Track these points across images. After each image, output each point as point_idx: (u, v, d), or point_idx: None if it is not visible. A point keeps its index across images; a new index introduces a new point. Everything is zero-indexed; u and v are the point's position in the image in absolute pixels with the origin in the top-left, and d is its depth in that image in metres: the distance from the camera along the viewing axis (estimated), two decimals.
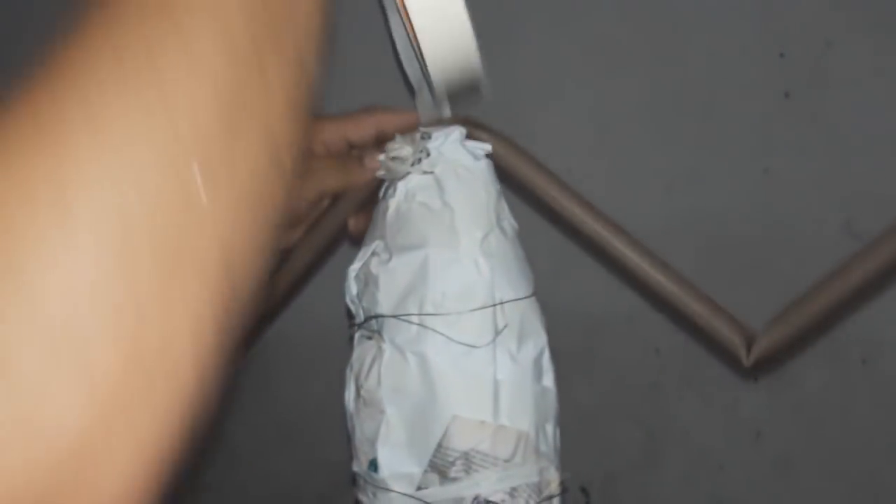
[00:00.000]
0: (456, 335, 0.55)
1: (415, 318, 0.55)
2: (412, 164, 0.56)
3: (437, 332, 0.55)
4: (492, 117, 1.13)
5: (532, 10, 1.12)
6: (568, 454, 1.20)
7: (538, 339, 0.58)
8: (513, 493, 0.55)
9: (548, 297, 1.14)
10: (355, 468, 0.60)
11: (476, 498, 0.55)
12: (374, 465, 0.57)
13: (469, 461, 0.55)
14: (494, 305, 0.56)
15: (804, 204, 1.11)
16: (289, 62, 0.34)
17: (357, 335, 0.60)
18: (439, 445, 0.55)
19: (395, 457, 0.57)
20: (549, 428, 0.58)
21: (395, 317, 0.56)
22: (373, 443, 0.57)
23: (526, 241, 1.11)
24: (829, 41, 1.09)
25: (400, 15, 0.46)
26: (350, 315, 0.61)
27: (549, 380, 0.58)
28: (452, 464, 0.55)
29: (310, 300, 1.10)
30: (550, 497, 0.58)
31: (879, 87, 1.08)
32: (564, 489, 0.59)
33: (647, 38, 1.11)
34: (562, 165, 1.15)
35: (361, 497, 0.60)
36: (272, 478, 1.26)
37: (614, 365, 1.17)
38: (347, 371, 0.60)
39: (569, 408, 1.20)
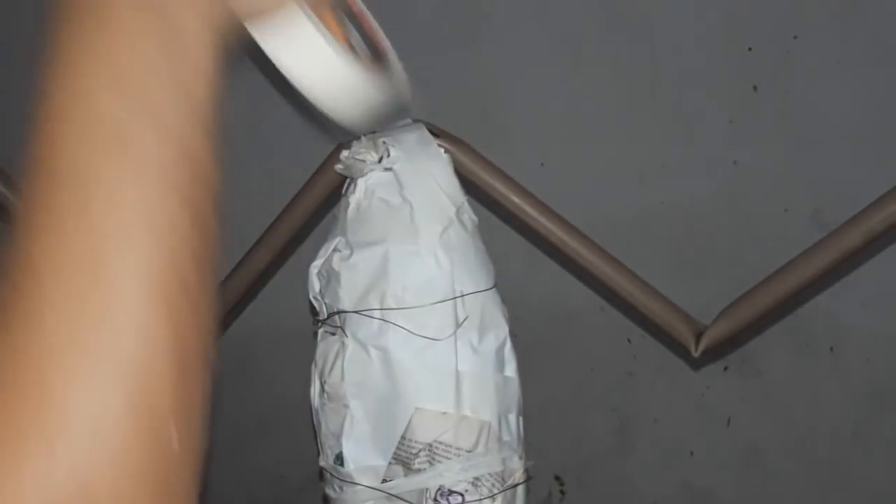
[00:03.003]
0: (417, 328, 0.56)
1: (376, 313, 0.57)
2: (373, 164, 0.58)
3: (399, 326, 0.56)
4: (465, 113, 1.14)
5: (503, 7, 1.13)
6: (542, 443, 1.22)
7: (499, 331, 0.59)
8: (476, 482, 0.56)
9: (521, 289, 1.16)
10: (322, 463, 0.61)
11: (440, 489, 0.56)
12: (339, 459, 0.59)
13: (433, 452, 0.56)
14: (455, 298, 0.57)
15: (773, 194, 1.13)
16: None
17: (320, 331, 0.61)
18: (403, 438, 0.57)
19: (360, 450, 0.58)
20: (513, 417, 0.59)
21: (357, 312, 0.57)
22: (338, 437, 0.58)
23: (500, 234, 1.12)
24: (795, 35, 1.10)
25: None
26: (314, 311, 0.62)
27: (511, 370, 0.59)
28: (416, 455, 0.56)
29: (286, 295, 1.11)
30: (515, 486, 0.59)
31: (845, 80, 1.09)
32: (529, 477, 0.61)
33: (618, 33, 1.13)
34: (535, 159, 1.17)
35: (329, 491, 0.61)
36: (251, 470, 1.27)
37: (587, 355, 1.19)
38: (312, 367, 0.61)
39: (542, 397, 1.22)
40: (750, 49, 1.11)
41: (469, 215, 0.59)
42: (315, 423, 0.60)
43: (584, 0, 1.12)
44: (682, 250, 1.16)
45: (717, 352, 0.63)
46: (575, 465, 1.22)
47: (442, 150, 0.59)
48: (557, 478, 1.22)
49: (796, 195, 1.12)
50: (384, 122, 0.53)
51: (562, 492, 1.22)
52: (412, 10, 1.14)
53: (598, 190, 1.16)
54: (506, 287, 1.15)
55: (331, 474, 0.60)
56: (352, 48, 0.47)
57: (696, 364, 1.17)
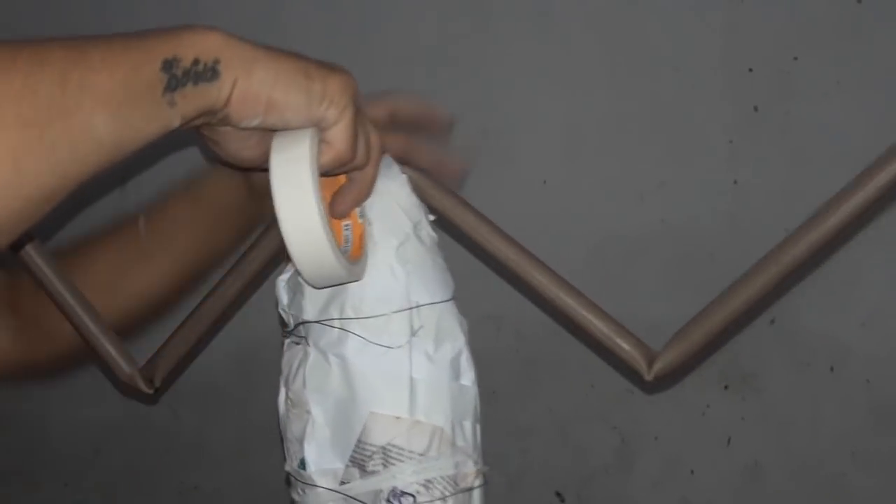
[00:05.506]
0: (373, 337, 0.59)
1: (336, 323, 0.59)
2: None
3: (356, 334, 0.59)
4: (466, 132, 1.17)
5: (506, 27, 1.16)
6: (543, 459, 1.23)
7: (455, 341, 0.61)
8: (427, 484, 0.59)
9: (521, 305, 1.18)
10: (287, 468, 0.63)
11: (393, 490, 0.58)
12: (302, 463, 0.61)
13: (386, 455, 0.59)
14: (410, 309, 0.59)
15: (773, 214, 1.14)
16: None
17: (287, 341, 0.64)
18: (359, 441, 0.59)
19: (320, 454, 0.60)
20: (468, 424, 0.61)
21: (318, 322, 0.60)
22: (301, 442, 0.61)
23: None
24: (795, 56, 1.11)
25: None
26: (283, 323, 0.65)
27: (467, 379, 0.61)
28: (371, 457, 0.59)
29: None
30: (469, 489, 0.61)
31: (845, 100, 1.10)
32: (485, 482, 0.62)
33: (620, 53, 1.15)
34: (536, 177, 1.20)
35: (293, 495, 0.64)
36: (254, 479, 1.30)
37: (587, 371, 1.20)
38: (280, 376, 0.63)
39: (543, 413, 1.24)
40: (750, 70, 1.13)
41: (427, 232, 0.62)
42: (281, 429, 0.63)
43: (586, 20, 1.14)
44: (682, 269, 1.17)
45: (672, 377, 0.64)
46: (576, 481, 1.23)
47: (402, 174, 0.62)
48: (558, 494, 1.23)
49: (796, 215, 1.11)
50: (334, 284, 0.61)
51: None
52: (415, 32, 1.17)
53: (598, 208, 1.18)
54: (507, 305, 1.17)
55: (295, 478, 0.63)
56: (341, 241, 0.60)
57: (696, 383, 1.18)
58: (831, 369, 1.14)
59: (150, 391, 0.71)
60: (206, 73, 0.51)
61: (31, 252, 0.69)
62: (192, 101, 0.51)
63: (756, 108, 1.13)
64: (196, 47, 0.51)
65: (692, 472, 1.20)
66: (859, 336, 1.12)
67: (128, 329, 0.83)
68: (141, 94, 0.49)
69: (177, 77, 0.50)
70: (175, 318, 0.73)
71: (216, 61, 0.51)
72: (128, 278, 0.83)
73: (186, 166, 0.82)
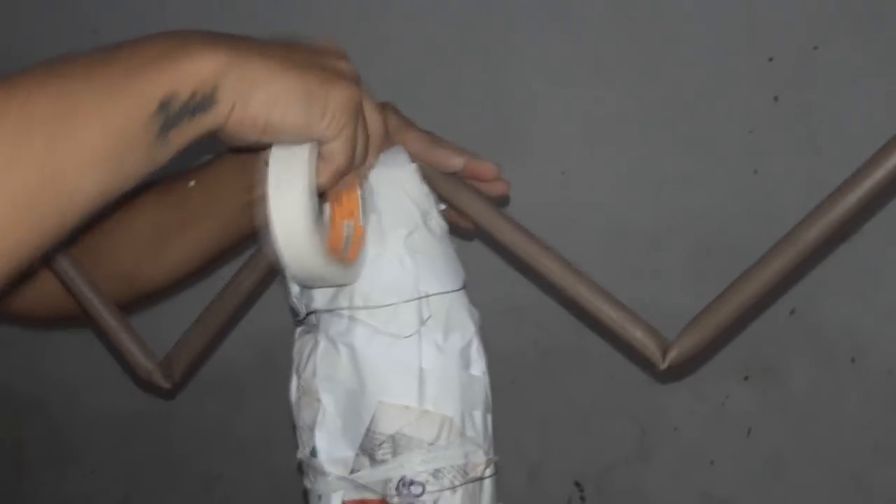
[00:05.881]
0: (382, 326, 0.59)
1: (345, 312, 0.60)
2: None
3: (365, 323, 0.59)
4: (486, 123, 1.17)
5: (525, 16, 1.16)
6: (562, 448, 1.24)
7: (465, 331, 0.61)
8: (437, 473, 0.59)
9: (541, 297, 1.18)
10: (299, 456, 0.64)
11: (402, 479, 0.59)
12: (314, 451, 0.62)
13: (395, 444, 0.59)
14: (419, 298, 0.60)
15: (793, 204, 1.12)
16: None
17: (298, 330, 0.65)
18: (368, 430, 0.60)
19: (331, 442, 0.61)
20: (478, 414, 0.62)
21: (328, 311, 0.61)
22: (312, 430, 0.62)
23: None
24: (816, 45, 1.10)
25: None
26: (294, 312, 0.65)
27: (477, 369, 0.62)
28: (380, 446, 0.59)
29: None
30: (479, 479, 0.61)
31: (866, 89, 1.09)
32: (496, 471, 0.63)
33: (639, 43, 1.14)
34: (555, 168, 1.20)
35: (306, 483, 0.64)
36: (277, 468, 1.32)
37: (607, 361, 1.20)
38: (291, 365, 0.64)
39: (563, 403, 1.24)
40: (770, 59, 1.12)
41: (437, 221, 0.62)
42: (293, 417, 0.64)
43: (605, 10, 1.14)
44: (702, 259, 1.16)
45: (686, 366, 0.64)
46: (595, 471, 1.23)
47: (412, 164, 0.62)
48: (577, 484, 1.24)
49: (817, 205, 1.12)
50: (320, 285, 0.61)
51: (581, 498, 1.24)
52: (434, 25, 1.18)
53: (618, 199, 1.18)
54: (527, 296, 1.18)
55: (307, 466, 0.64)
56: (340, 242, 0.60)
57: (716, 373, 1.17)
58: (852, 360, 1.13)
59: (169, 386, 0.72)
60: (204, 103, 0.49)
61: None
62: (186, 134, 0.50)
63: (776, 98, 1.12)
64: (194, 78, 0.48)
65: (712, 462, 1.20)
66: (881, 327, 1.12)
67: (163, 290, 0.81)
68: (134, 142, 0.47)
69: (173, 116, 0.48)
70: (193, 312, 0.73)
71: (214, 89, 0.49)
72: (172, 240, 0.79)
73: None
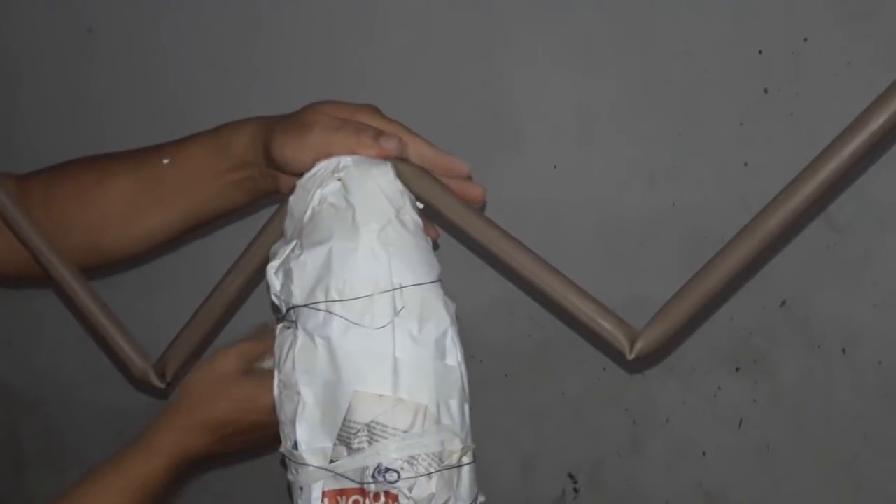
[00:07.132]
0: (356, 318, 0.61)
1: (322, 305, 0.61)
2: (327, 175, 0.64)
3: (341, 316, 0.61)
4: (478, 117, 1.18)
5: (515, 12, 1.17)
6: (556, 441, 1.24)
7: (440, 321, 0.62)
8: (412, 461, 0.60)
9: (534, 291, 1.18)
10: (282, 450, 0.66)
11: (378, 466, 0.60)
12: (296, 444, 0.63)
13: (371, 432, 0.60)
14: (393, 290, 0.61)
15: None
16: None
17: (279, 327, 0.66)
18: (345, 419, 0.61)
19: (311, 434, 0.63)
20: (454, 403, 0.63)
21: (306, 306, 0.62)
22: (293, 423, 0.63)
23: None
24: (805, 37, 1.11)
25: None
26: (276, 309, 0.67)
27: (453, 359, 0.63)
28: (356, 435, 0.61)
29: None
30: (456, 467, 0.62)
31: (856, 81, 1.09)
32: (474, 459, 0.64)
33: (629, 35, 1.15)
34: (547, 161, 1.20)
35: (289, 476, 0.66)
36: (271, 465, 1.32)
37: (599, 354, 1.21)
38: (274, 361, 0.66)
39: (555, 396, 1.25)
40: (760, 52, 1.12)
41: (412, 217, 0.64)
42: (276, 412, 0.65)
43: (596, 4, 1.15)
44: (693, 252, 1.17)
45: (655, 356, 0.65)
46: (588, 463, 1.24)
47: (386, 161, 0.64)
48: (571, 476, 1.25)
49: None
50: None
51: (575, 489, 1.25)
52: (427, 17, 1.18)
53: (609, 192, 1.18)
54: (520, 290, 1.18)
55: (289, 459, 0.65)
56: None
57: (707, 364, 1.18)
58: (843, 351, 1.14)
59: (163, 386, 0.73)
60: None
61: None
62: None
63: (766, 90, 1.13)
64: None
65: (704, 453, 1.20)
66: (871, 317, 1.12)
67: (129, 260, 0.83)
68: None
69: None
70: (185, 313, 0.74)
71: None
72: (142, 215, 0.80)
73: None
